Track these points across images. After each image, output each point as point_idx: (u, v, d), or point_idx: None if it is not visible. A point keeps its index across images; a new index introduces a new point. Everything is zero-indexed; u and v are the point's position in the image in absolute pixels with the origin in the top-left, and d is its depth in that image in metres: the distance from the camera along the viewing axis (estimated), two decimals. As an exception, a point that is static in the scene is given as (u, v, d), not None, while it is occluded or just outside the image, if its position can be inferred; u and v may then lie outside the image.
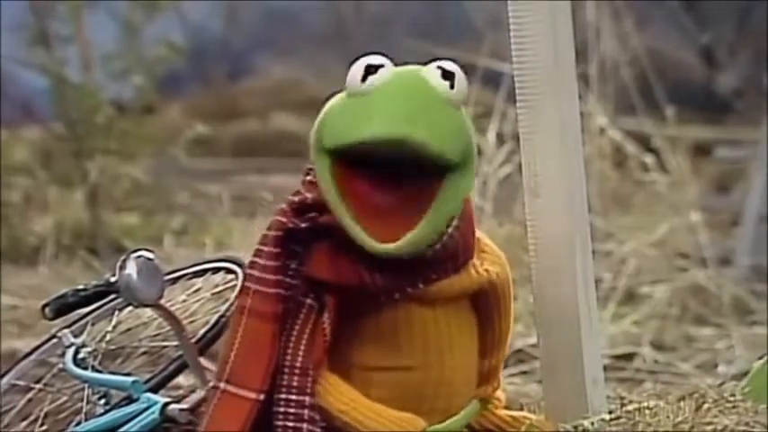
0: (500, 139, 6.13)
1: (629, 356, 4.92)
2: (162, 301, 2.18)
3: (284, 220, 1.96)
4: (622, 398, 2.43)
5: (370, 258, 1.92)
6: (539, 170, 2.21)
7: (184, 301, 2.60)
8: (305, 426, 1.90)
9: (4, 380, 2.68)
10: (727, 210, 6.80)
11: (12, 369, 2.70)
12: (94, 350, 2.57)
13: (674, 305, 5.50)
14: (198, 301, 2.59)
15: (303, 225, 1.96)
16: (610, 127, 6.35)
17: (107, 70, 6.96)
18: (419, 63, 2.01)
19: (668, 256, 5.92)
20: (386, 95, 1.91)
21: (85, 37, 6.89)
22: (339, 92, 2.01)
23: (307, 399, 1.91)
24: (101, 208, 6.80)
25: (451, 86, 1.97)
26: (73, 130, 6.74)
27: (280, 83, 19.04)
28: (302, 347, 1.93)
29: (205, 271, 2.61)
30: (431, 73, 1.98)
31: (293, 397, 1.91)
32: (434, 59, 2.03)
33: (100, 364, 2.57)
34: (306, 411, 1.90)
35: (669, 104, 6.98)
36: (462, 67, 2.01)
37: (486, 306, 2.09)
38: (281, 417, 1.91)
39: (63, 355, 2.55)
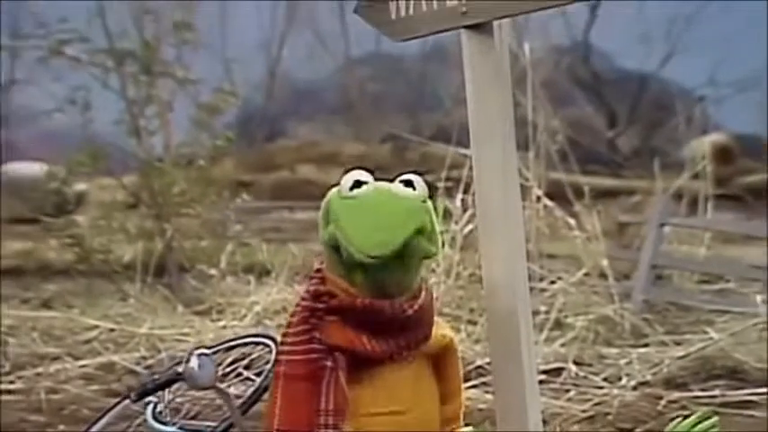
0: (464, 204, 6.06)
1: (558, 371, 4.82)
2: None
3: (306, 304, 1.93)
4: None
5: (369, 329, 1.89)
6: (489, 232, 2.12)
7: (235, 368, 2.51)
8: None
9: (98, 425, 2.56)
10: (627, 259, 6.76)
11: (103, 417, 2.57)
12: (169, 404, 2.47)
13: (590, 331, 5.44)
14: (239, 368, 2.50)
15: (320, 306, 1.92)
16: (543, 197, 6.28)
17: (180, 153, 6.91)
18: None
19: (585, 293, 5.87)
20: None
21: (169, 130, 6.85)
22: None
23: None
24: (175, 254, 6.73)
25: (413, 189, 1.93)
26: (155, 199, 6.71)
27: (304, 142, 19.16)
28: (332, 395, 1.89)
29: (248, 343, 2.53)
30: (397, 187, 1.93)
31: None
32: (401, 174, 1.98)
33: (173, 411, 2.47)
34: None
35: (583, 164, 6.96)
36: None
37: (444, 363, 2.05)
38: None
39: (144, 408, 2.45)
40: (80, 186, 8.36)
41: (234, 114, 8.96)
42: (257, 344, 2.47)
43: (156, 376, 2.12)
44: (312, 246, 7.75)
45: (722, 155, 13.62)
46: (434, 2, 2.14)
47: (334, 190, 1.94)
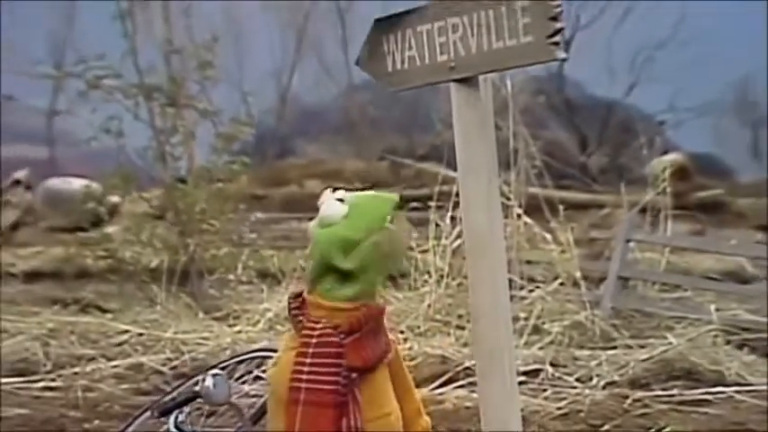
0: (453, 221, 6.02)
1: (536, 372, 4.77)
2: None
3: (337, 339, 1.78)
4: None
5: (373, 342, 1.82)
6: (475, 251, 2.09)
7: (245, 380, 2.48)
8: None
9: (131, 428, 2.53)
10: (597, 270, 6.70)
11: (129, 426, 2.53)
12: (190, 412, 2.42)
13: (564, 335, 5.39)
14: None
15: (342, 335, 1.80)
16: (523, 215, 6.22)
17: (201, 176, 6.86)
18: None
19: (560, 301, 5.79)
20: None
21: (192, 156, 6.82)
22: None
23: None
24: (196, 265, 6.68)
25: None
26: (179, 217, 6.67)
27: (311, 160, 19.12)
28: (352, 415, 1.79)
29: (255, 357, 2.51)
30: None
31: None
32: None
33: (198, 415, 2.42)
34: None
35: (558, 181, 6.86)
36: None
37: (394, 364, 1.94)
38: None
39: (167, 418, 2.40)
40: (114, 198, 8.33)
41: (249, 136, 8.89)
42: (264, 357, 2.45)
43: (176, 394, 2.10)
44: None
45: (680, 173, 13.60)
46: (426, 57, 2.13)
47: (322, 230, 1.81)
